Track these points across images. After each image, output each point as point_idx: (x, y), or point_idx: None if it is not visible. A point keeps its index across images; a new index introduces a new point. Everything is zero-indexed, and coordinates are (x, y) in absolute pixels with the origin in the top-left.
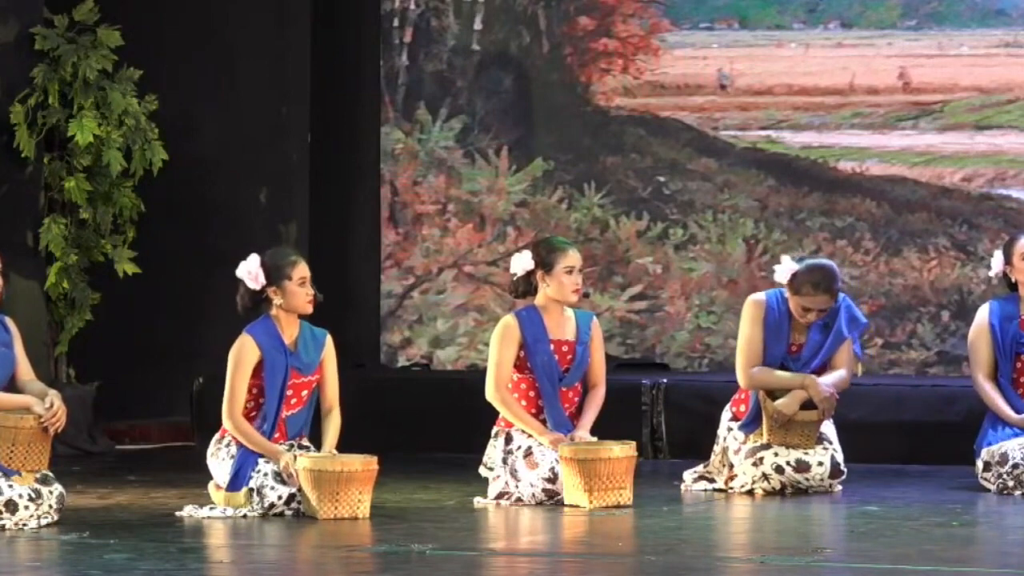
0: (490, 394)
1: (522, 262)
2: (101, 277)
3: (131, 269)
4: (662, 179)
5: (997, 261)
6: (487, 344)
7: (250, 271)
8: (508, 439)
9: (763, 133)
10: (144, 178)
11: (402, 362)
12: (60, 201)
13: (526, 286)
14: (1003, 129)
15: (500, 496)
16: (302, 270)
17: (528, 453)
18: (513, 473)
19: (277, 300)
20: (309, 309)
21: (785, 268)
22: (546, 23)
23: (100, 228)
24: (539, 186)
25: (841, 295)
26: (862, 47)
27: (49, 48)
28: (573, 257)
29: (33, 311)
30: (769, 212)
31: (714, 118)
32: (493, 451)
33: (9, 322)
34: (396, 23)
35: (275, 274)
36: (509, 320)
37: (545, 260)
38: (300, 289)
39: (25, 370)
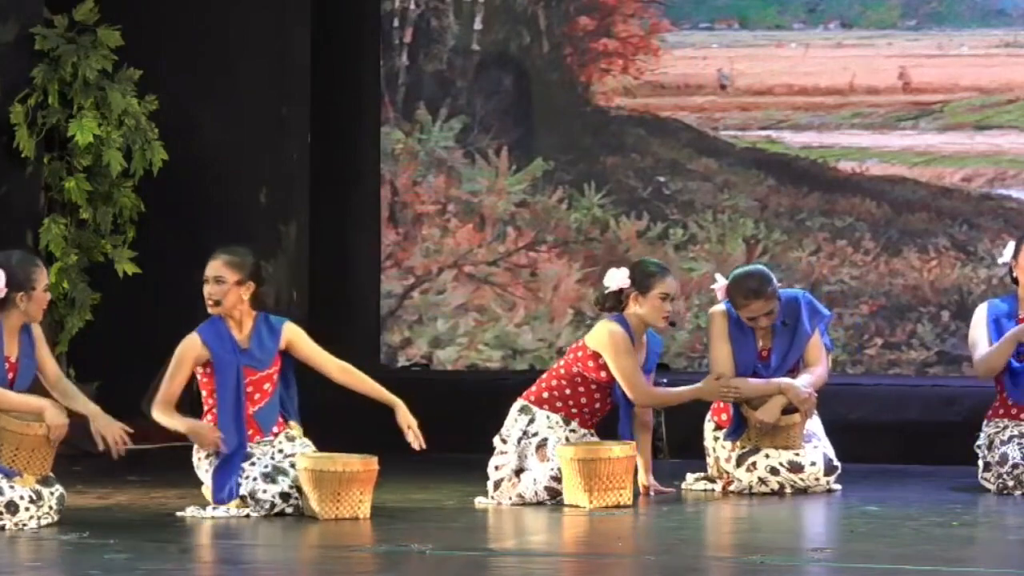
0: (643, 401)
1: (618, 278)
2: (101, 277)
3: (131, 269)
4: (662, 179)
5: (1008, 250)
6: (487, 344)
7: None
8: (531, 420)
9: (763, 133)
10: (144, 178)
11: (402, 362)
12: (60, 201)
13: (614, 302)
14: (1003, 129)
15: (498, 468)
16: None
17: (542, 444)
18: (522, 456)
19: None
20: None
21: (719, 285)
22: (546, 23)
23: (100, 228)
24: (539, 186)
25: (800, 292)
26: (862, 47)
27: (49, 48)
28: (670, 284)
29: None
30: (769, 212)
31: (714, 118)
32: (513, 424)
33: (34, 328)
34: (396, 23)
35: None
36: (619, 328)
37: (642, 282)
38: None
39: (51, 370)
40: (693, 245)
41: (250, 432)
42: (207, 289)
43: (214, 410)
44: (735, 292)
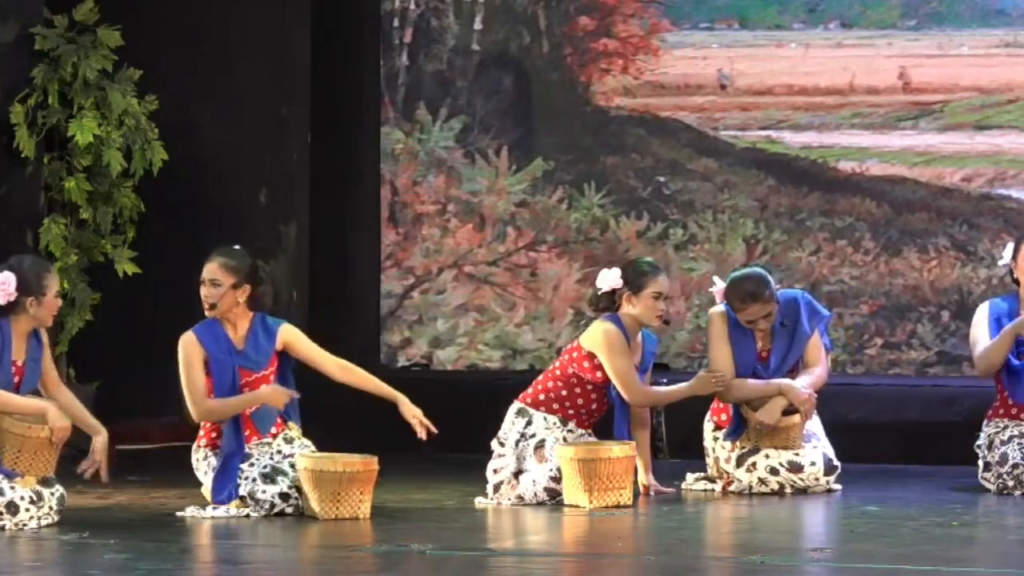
0: (638, 401)
1: (610, 279)
2: (101, 277)
3: (131, 269)
4: (662, 179)
5: (1008, 252)
6: (487, 344)
7: None
8: (529, 422)
9: (763, 133)
10: (144, 178)
11: (402, 362)
12: (60, 201)
13: (608, 302)
14: (1003, 129)
15: (496, 471)
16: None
17: (540, 445)
18: (520, 458)
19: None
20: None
21: (718, 288)
22: (546, 23)
23: (100, 228)
24: (539, 186)
25: (799, 292)
26: (862, 47)
27: (49, 48)
28: (662, 283)
29: None
30: (769, 212)
31: (714, 118)
32: (511, 427)
33: (43, 334)
34: (396, 23)
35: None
36: (613, 328)
37: (634, 281)
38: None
39: (51, 378)
40: (693, 245)
41: (247, 433)
42: (203, 292)
43: None
44: (732, 296)
